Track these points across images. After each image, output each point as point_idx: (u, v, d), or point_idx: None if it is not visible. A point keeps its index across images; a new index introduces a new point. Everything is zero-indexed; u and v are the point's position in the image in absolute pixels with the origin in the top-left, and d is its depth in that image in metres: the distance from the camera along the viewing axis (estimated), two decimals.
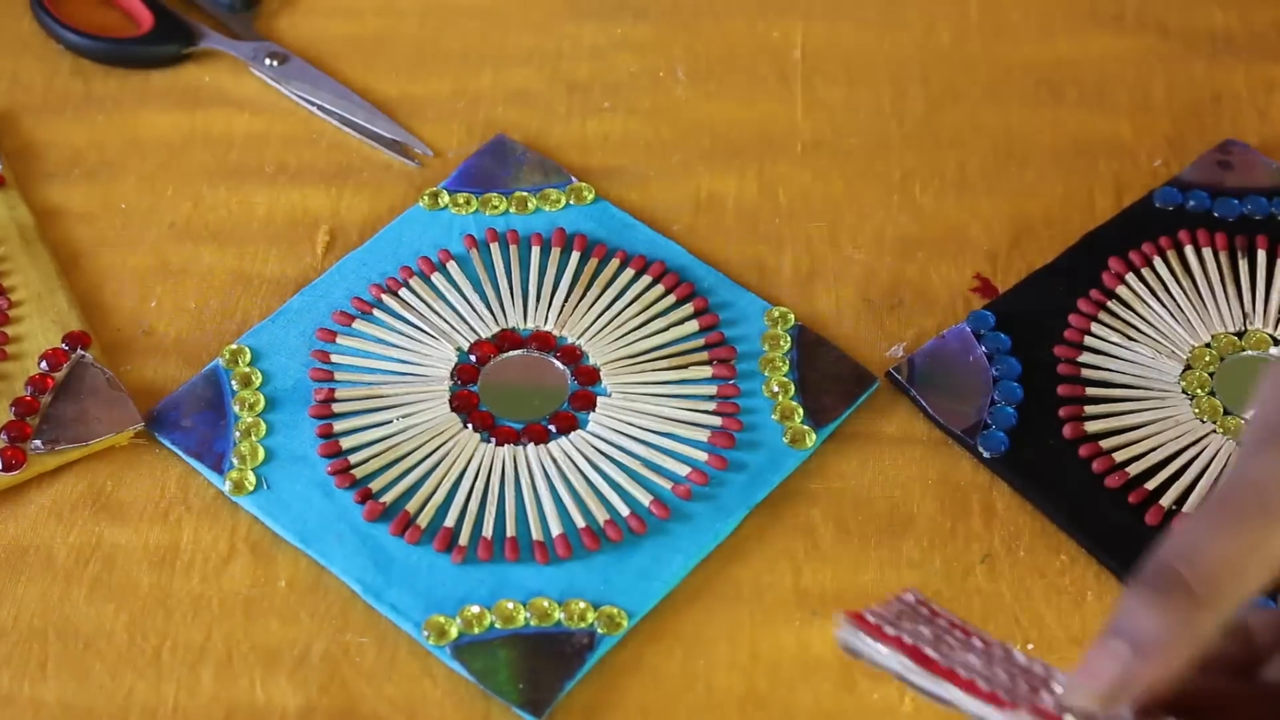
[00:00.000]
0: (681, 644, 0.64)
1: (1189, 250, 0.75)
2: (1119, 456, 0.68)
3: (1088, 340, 0.72)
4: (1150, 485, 0.67)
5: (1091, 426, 0.69)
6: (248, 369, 0.71)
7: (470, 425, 0.69)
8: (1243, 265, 0.74)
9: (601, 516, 0.67)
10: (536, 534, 0.66)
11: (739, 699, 0.63)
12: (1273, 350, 0.72)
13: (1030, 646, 0.64)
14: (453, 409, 0.70)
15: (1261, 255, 0.74)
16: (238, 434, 0.69)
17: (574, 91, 0.81)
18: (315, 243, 0.75)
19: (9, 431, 0.68)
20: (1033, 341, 0.72)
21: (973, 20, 0.84)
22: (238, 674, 0.64)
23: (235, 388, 0.70)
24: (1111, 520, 0.67)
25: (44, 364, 0.70)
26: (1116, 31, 0.84)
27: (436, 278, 0.74)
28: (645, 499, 0.67)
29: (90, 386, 0.69)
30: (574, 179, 0.77)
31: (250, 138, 0.79)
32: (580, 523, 0.66)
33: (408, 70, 0.82)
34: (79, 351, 0.70)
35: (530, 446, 0.69)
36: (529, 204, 0.76)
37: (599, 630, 0.64)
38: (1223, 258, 0.74)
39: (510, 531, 0.66)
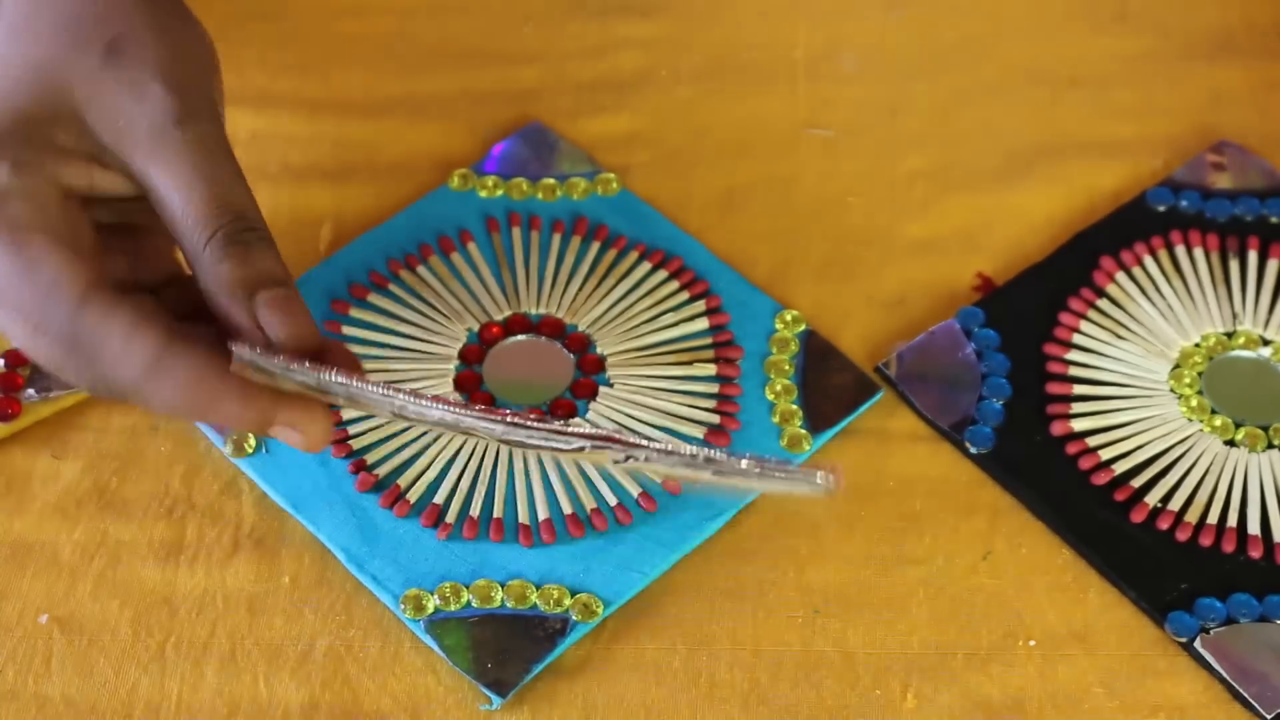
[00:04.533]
0: (684, 641, 0.65)
1: (1180, 250, 0.75)
2: (1105, 454, 0.69)
3: (1077, 338, 0.72)
4: (1136, 483, 0.68)
5: (1079, 424, 0.69)
6: None
7: None
8: (1233, 266, 0.74)
9: (589, 505, 0.67)
10: (523, 517, 0.67)
11: (742, 695, 0.63)
12: (1262, 350, 0.72)
13: (1032, 643, 0.64)
14: (455, 388, 0.70)
15: (1252, 256, 0.75)
16: None
17: (578, 91, 0.81)
18: (318, 240, 0.76)
19: (1, 383, 0.68)
20: (1022, 339, 0.72)
21: (975, 20, 0.84)
22: (241, 670, 0.64)
23: None
24: (1097, 517, 0.67)
25: None
26: (1117, 31, 0.84)
27: (455, 257, 0.74)
28: (634, 490, 0.67)
29: None
30: (603, 169, 0.77)
31: (253, 136, 0.79)
32: (567, 509, 0.67)
33: (411, 69, 0.82)
34: None
35: None
36: (555, 191, 0.76)
37: (574, 617, 0.64)
38: (1213, 258, 0.75)
39: (497, 513, 0.67)
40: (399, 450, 0.68)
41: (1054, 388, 0.70)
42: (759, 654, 0.64)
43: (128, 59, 0.57)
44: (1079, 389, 0.70)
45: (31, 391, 0.69)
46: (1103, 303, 0.73)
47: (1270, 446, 0.69)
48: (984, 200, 0.77)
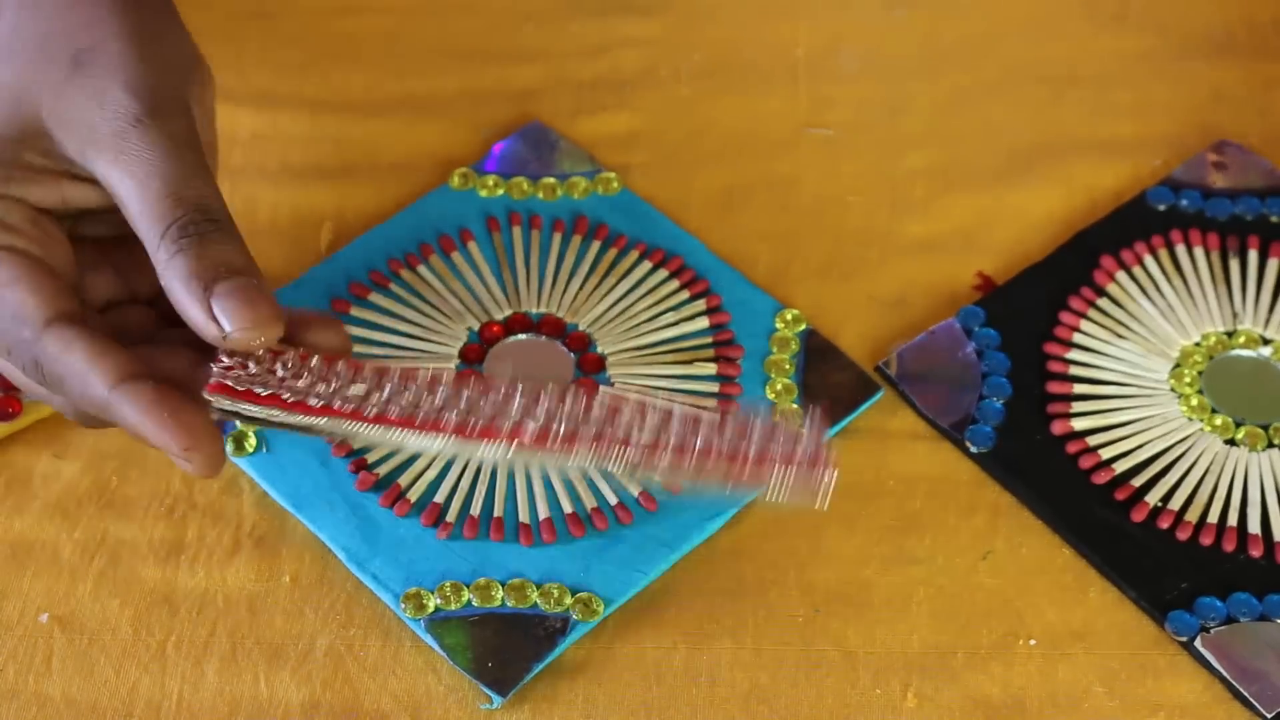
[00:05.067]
0: (685, 640, 0.65)
1: (1180, 249, 0.75)
2: (1105, 453, 0.69)
3: (1077, 338, 0.72)
4: (1136, 482, 0.68)
5: (1079, 423, 0.69)
6: None
7: None
8: (1234, 265, 0.74)
9: (589, 504, 0.67)
10: (523, 516, 0.67)
11: (742, 695, 0.63)
12: (1262, 350, 0.72)
13: (1033, 642, 0.64)
14: None
15: (1253, 255, 0.75)
16: None
17: (579, 90, 0.81)
18: (319, 240, 0.76)
19: (1, 382, 0.68)
20: (1023, 338, 0.72)
21: (975, 20, 0.84)
22: (242, 669, 0.64)
23: None
24: (1097, 516, 0.67)
25: None
26: (1117, 31, 0.84)
27: (455, 256, 0.74)
28: (634, 490, 0.67)
29: None
30: (603, 168, 0.77)
31: (254, 136, 0.79)
32: (568, 508, 0.67)
33: (412, 68, 0.82)
34: None
35: None
36: (556, 190, 0.76)
37: (574, 616, 0.64)
38: (1214, 257, 0.75)
39: (497, 512, 0.67)
40: (399, 449, 0.68)
41: (1054, 387, 0.70)
42: (759, 653, 0.64)
43: (93, 68, 0.58)
44: (1079, 388, 0.70)
45: None
46: (1103, 302, 0.73)
47: (1270, 445, 0.69)
48: (984, 200, 0.77)
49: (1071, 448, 0.69)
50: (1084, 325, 0.72)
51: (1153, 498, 0.67)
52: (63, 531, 0.67)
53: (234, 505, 0.68)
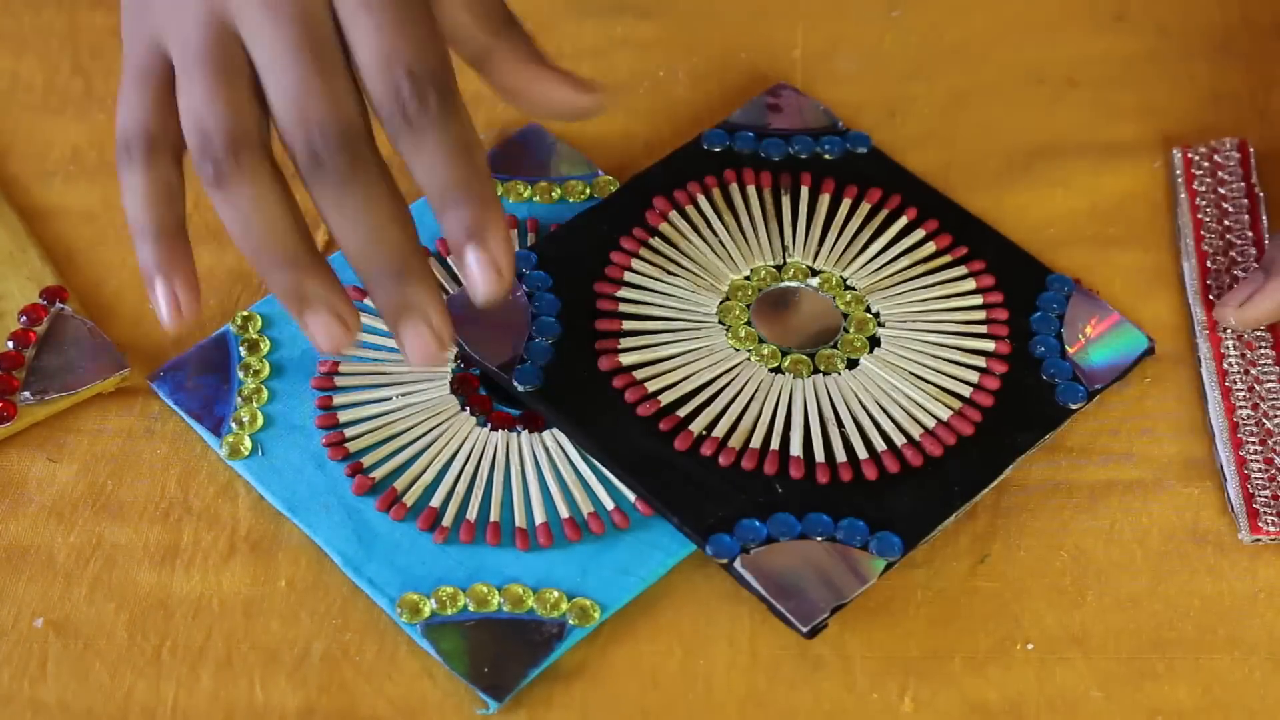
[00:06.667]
0: (681, 644, 0.65)
1: (734, 188, 0.76)
2: (651, 386, 0.69)
3: (628, 276, 0.73)
4: (681, 413, 0.68)
5: (626, 358, 0.70)
6: (256, 335, 0.71)
7: (468, 408, 0.70)
8: (785, 201, 0.75)
9: (585, 509, 0.67)
10: (520, 521, 0.67)
11: (739, 699, 0.63)
12: (810, 281, 0.73)
13: (1030, 646, 0.64)
14: (452, 390, 0.70)
15: (804, 191, 0.76)
16: (240, 399, 0.69)
17: None
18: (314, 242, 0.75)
19: None
20: (575, 280, 0.72)
21: (975, 20, 0.84)
22: (237, 674, 0.64)
23: (243, 353, 0.71)
24: (640, 447, 0.67)
25: (24, 319, 0.71)
26: (1116, 31, 0.84)
27: (452, 260, 0.74)
28: (631, 494, 0.67)
29: (73, 337, 0.71)
30: (600, 172, 0.77)
31: None
32: (564, 513, 0.67)
33: None
34: (57, 304, 0.71)
35: (524, 433, 0.69)
36: (553, 193, 0.76)
37: (570, 621, 0.64)
38: (766, 194, 0.76)
39: (494, 516, 0.67)
40: (396, 453, 0.68)
41: (603, 324, 0.71)
42: (756, 657, 0.64)
43: None
44: (628, 324, 0.71)
45: (27, 394, 0.69)
46: (655, 241, 0.74)
47: (816, 371, 0.70)
48: (983, 202, 0.77)
49: (618, 382, 0.69)
50: (635, 264, 0.73)
51: (697, 426, 0.68)
52: (57, 535, 0.67)
53: (229, 509, 0.67)
